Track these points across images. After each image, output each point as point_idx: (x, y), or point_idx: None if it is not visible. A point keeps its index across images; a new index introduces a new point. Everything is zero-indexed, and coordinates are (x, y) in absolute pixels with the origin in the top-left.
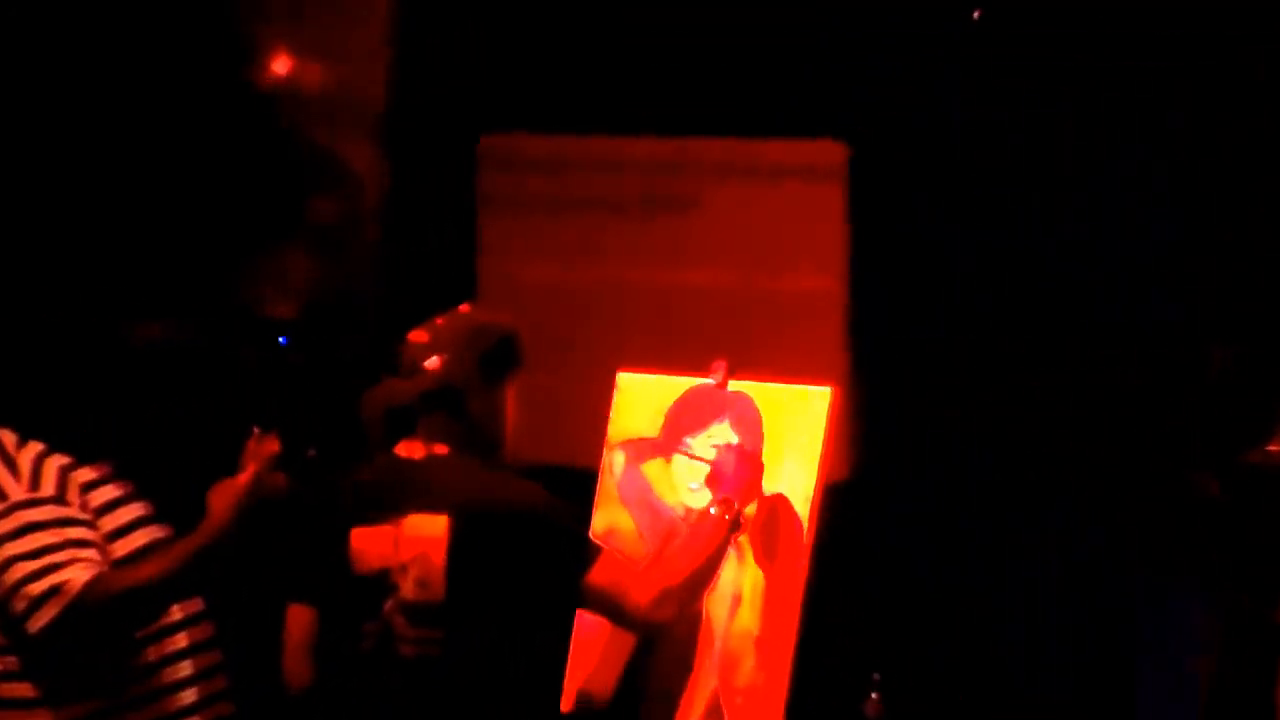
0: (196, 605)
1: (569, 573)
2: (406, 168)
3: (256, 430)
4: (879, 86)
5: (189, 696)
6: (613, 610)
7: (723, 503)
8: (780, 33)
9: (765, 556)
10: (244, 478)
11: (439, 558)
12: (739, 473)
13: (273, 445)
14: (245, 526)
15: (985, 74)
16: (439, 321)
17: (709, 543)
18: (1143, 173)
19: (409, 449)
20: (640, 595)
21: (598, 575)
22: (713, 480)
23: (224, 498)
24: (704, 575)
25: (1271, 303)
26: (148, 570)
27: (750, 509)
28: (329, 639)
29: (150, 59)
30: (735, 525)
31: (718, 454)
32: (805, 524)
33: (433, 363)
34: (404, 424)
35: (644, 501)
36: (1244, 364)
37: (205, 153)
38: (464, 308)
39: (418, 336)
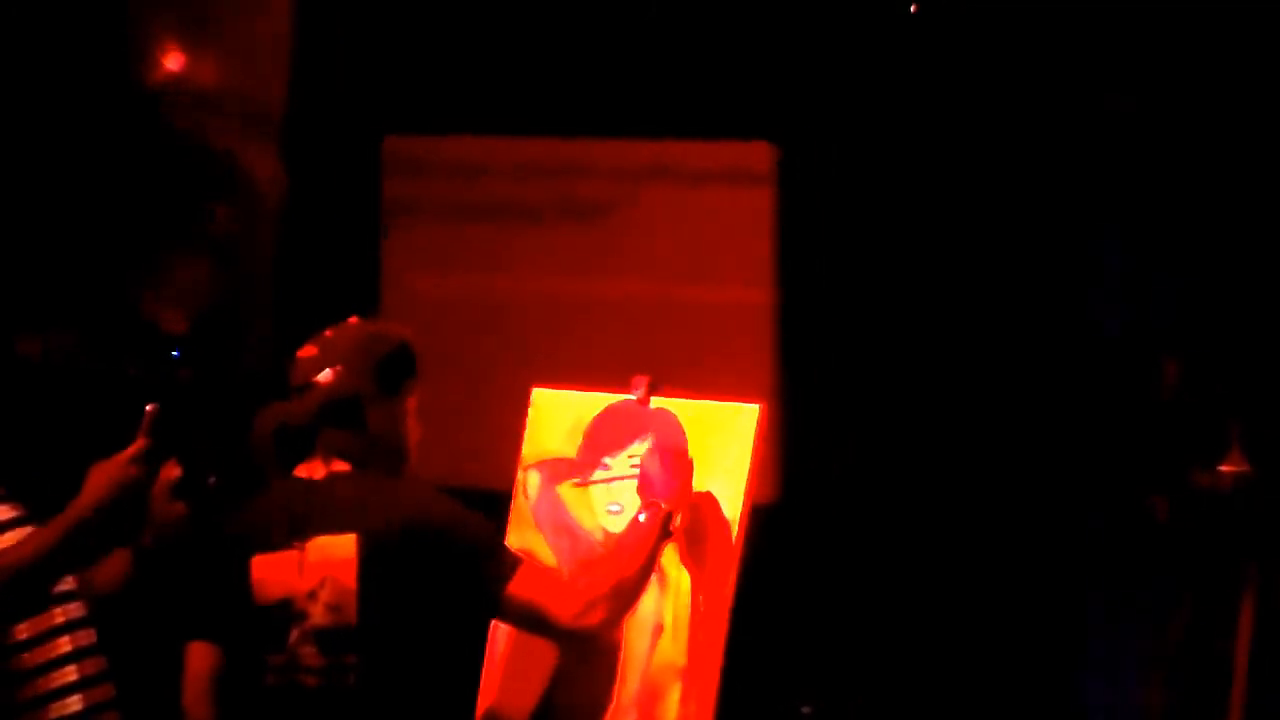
0: (88, 638)
1: (488, 585)
2: (306, 171)
3: (150, 409)
4: (809, 85)
5: None
6: (537, 622)
7: (651, 507)
8: (705, 28)
9: (692, 558)
10: (125, 454)
11: (349, 580)
12: (669, 477)
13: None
14: (121, 502)
15: (921, 73)
16: (328, 334)
17: (640, 550)
18: (1088, 182)
19: (309, 470)
20: (566, 604)
21: (519, 586)
22: (642, 487)
23: (102, 474)
24: (635, 584)
25: (1224, 318)
26: (20, 550)
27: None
28: (231, 675)
29: (35, 56)
30: (666, 532)
31: (644, 460)
32: (730, 543)
33: (326, 376)
34: (301, 444)
35: (560, 525)
36: (1196, 381)
37: (92, 155)
38: (353, 320)
39: (307, 352)
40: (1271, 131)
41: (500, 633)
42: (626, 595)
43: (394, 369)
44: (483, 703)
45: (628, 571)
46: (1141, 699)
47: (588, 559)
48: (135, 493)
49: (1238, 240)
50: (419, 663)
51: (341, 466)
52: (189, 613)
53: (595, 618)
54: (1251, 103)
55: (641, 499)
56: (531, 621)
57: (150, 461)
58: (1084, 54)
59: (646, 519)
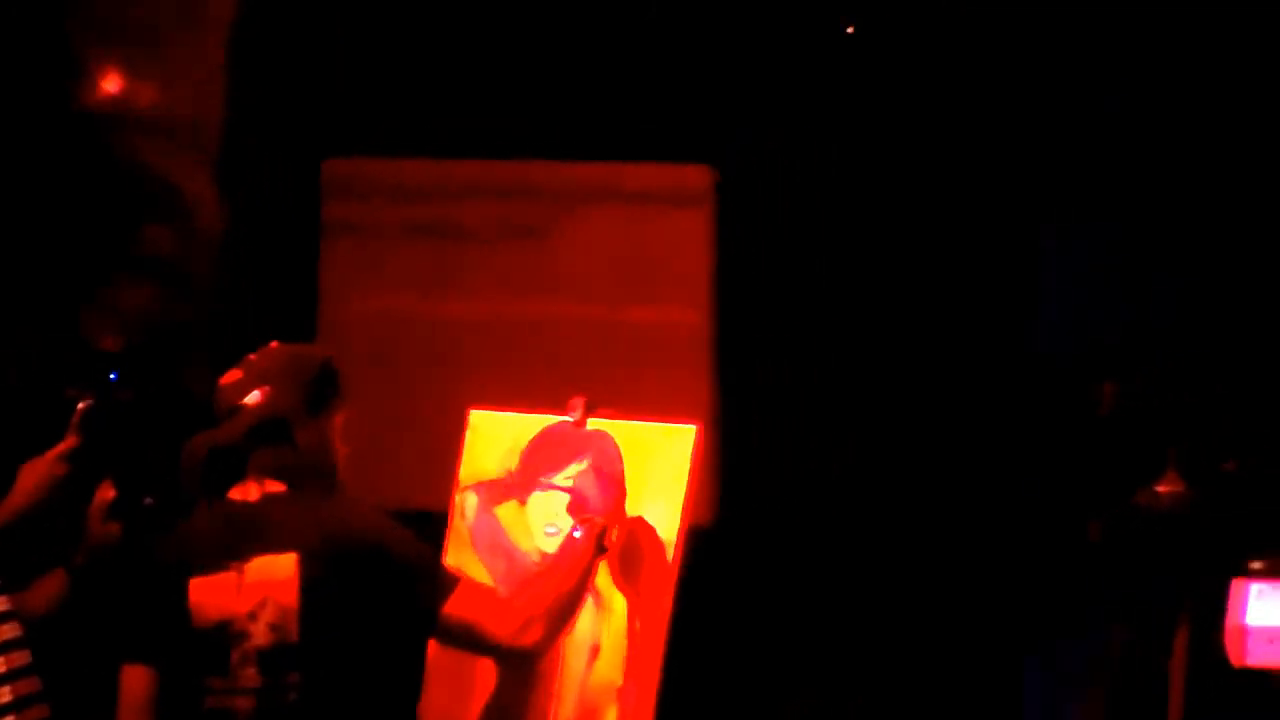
0: (22, 659)
1: (425, 604)
2: (246, 193)
3: (81, 406)
4: (748, 108)
5: None
6: (474, 640)
7: (586, 524)
8: (645, 52)
9: (627, 581)
10: (53, 451)
11: (290, 599)
12: (602, 494)
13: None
14: (50, 502)
15: (858, 95)
16: (251, 359)
17: (575, 567)
18: (1028, 208)
19: (242, 492)
20: (502, 623)
21: (456, 605)
22: (575, 506)
23: (31, 472)
24: (570, 600)
25: (1162, 342)
26: None
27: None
28: (168, 700)
29: None
30: (601, 548)
31: (577, 479)
32: (666, 565)
33: (254, 398)
34: (232, 467)
35: (497, 546)
36: (1133, 403)
37: (31, 177)
38: (274, 344)
39: (231, 377)
40: (1212, 158)
41: (438, 653)
42: (563, 613)
43: (320, 388)
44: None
45: (563, 588)
46: (1080, 716)
47: (524, 579)
48: (64, 491)
49: (1177, 265)
50: (360, 681)
51: (275, 487)
52: (124, 635)
53: (532, 636)
54: (1201, 131)
55: (574, 517)
56: (468, 640)
57: (78, 460)
58: (1019, 77)
59: (581, 535)
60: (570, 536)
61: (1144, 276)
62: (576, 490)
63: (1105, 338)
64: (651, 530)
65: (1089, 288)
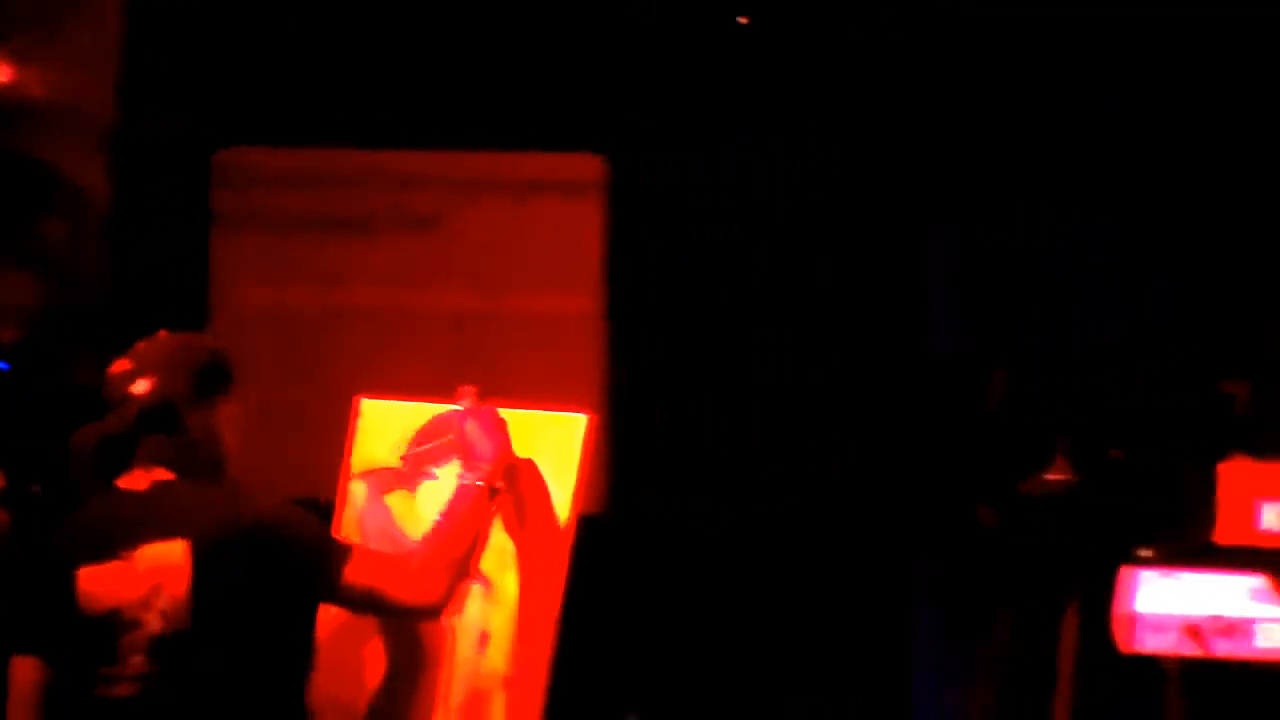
0: None
1: (323, 576)
2: (136, 183)
3: None
4: (639, 97)
5: None
6: (377, 604)
7: (474, 469)
8: (535, 41)
9: (520, 526)
10: None
11: (181, 586)
12: (488, 437)
13: None
14: None
15: (749, 84)
16: (139, 347)
17: (470, 516)
18: (919, 197)
19: (130, 481)
20: (403, 583)
21: (354, 572)
22: (462, 452)
23: None
24: (467, 551)
25: (1052, 333)
26: None
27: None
28: (58, 690)
29: None
30: (495, 491)
31: (462, 427)
32: (559, 552)
33: (142, 386)
34: (121, 455)
35: (386, 535)
36: (1023, 393)
37: None
38: (162, 333)
39: (119, 367)
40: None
41: (328, 638)
42: (461, 564)
43: (208, 376)
44: (311, 709)
45: (460, 539)
46: (968, 703)
47: (422, 537)
48: None
49: (1067, 258)
50: (253, 667)
51: (164, 475)
52: (12, 627)
53: (435, 593)
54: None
55: (464, 464)
56: (372, 605)
57: None
58: (911, 71)
59: (470, 479)
60: (461, 484)
61: (1030, 273)
62: (464, 438)
63: (994, 332)
64: (538, 472)
65: (977, 286)
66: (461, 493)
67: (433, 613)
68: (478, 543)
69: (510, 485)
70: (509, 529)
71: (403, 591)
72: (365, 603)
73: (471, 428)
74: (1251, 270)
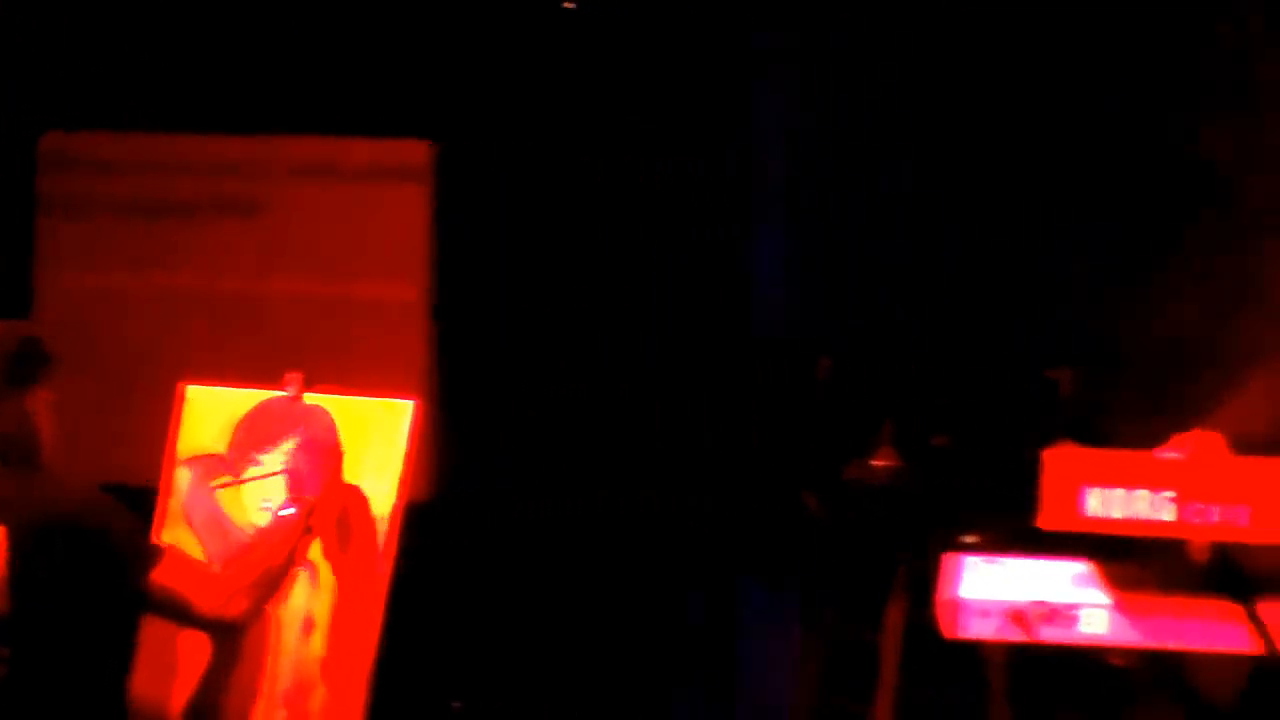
0: None
1: (130, 575)
2: None
3: None
4: (467, 82)
5: None
6: (180, 610)
7: (297, 501)
8: (364, 25)
9: (342, 554)
10: None
11: None
12: (315, 471)
13: None
14: None
15: (576, 69)
16: None
17: (283, 542)
18: (745, 182)
19: None
20: (208, 594)
21: (163, 575)
22: (293, 485)
23: None
24: (277, 574)
25: (878, 316)
26: None
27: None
28: None
29: None
30: (308, 528)
31: (290, 458)
32: (382, 540)
33: None
34: None
35: (212, 522)
36: (849, 378)
37: None
38: None
39: None
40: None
41: (150, 629)
42: (268, 585)
43: (21, 362)
44: (134, 697)
45: (270, 563)
46: (793, 691)
47: (233, 553)
48: None
49: (894, 241)
50: (71, 654)
51: None
52: None
53: (237, 608)
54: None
55: (289, 493)
56: (174, 611)
57: None
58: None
59: (291, 513)
60: (278, 514)
61: (854, 258)
62: (293, 467)
63: (821, 317)
64: (365, 502)
65: (802, 270)
66: (279, 520)
67: (230, 628)
68: (285, 570)
69: (336, 515)
70: (331, 558)
71: (205, 602)
72: (167, 607)
73: (300, 459)
74: (1075, 257)
